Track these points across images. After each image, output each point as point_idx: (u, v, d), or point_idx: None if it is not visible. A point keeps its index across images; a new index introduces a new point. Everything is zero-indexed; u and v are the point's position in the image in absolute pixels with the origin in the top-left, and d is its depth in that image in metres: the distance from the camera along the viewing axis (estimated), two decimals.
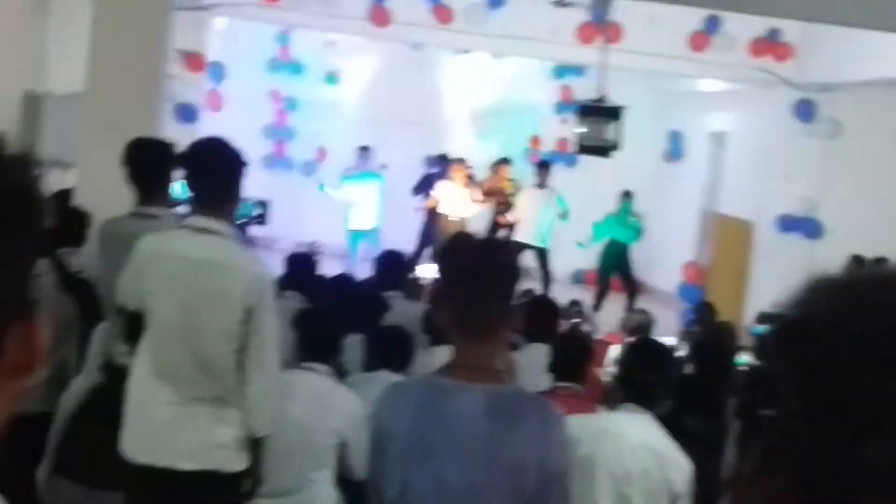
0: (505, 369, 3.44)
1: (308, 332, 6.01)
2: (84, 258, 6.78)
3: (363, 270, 14.29)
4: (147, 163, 5.71)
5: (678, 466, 4.83)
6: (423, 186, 16.91)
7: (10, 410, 1.09)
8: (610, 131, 11.27)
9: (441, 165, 16.98)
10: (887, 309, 0.95)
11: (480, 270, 3.20)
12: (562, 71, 18.86)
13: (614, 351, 9.68)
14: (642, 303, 15.46)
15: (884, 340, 0.93)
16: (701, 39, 14.20)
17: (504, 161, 17.08)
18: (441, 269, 3.38)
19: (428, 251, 16.29)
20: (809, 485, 0.96)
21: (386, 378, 6.08)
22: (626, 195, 16.08)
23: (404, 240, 15.35)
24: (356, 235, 16.38)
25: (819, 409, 0.95)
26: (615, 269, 16.33)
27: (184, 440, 4.62)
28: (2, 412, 1.07)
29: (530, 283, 15.38)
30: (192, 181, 4.73)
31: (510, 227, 16.54)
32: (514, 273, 3.36)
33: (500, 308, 3.23)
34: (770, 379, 1.03)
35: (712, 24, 14.08)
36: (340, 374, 6.25)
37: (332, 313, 6.28)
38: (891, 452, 0.91)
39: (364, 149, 16.50)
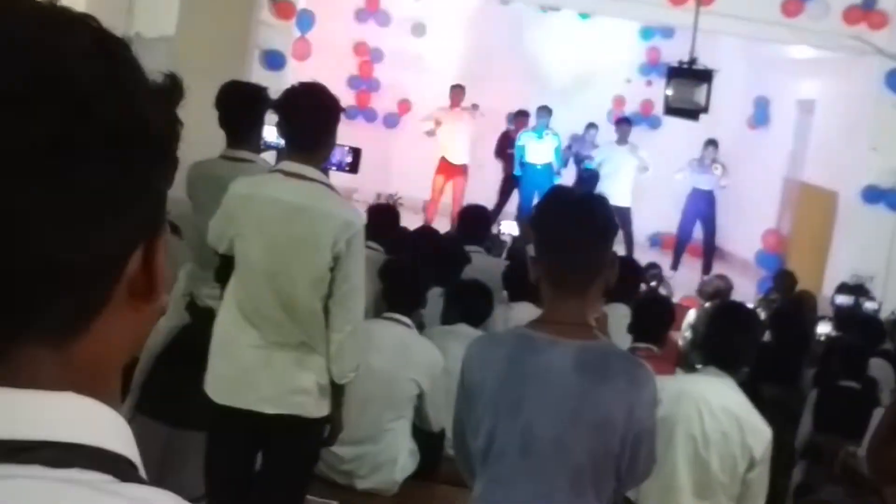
0: (597, 325, 3.42)
1: (394, 283, 6.07)
2: (170, 201, 6.85)
3: (443, 222, 14.40)
4: (239, 106, 5.74)
5: (758, 432, 4.81)
6: (503, 147, 16.93)
7: (140, 340, 1.10)
8: (699, 94, 11.16)
9: (521, 120, 16.97)
10: None
11: (577, 224, 3.20)
12: (649, 32, 18.70)
13: (692, 315, 9.66)
14: (720, 268, 15.36)
15: None
16: (795, 5, 13.99)
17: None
18: (536, 223, 3.38)
19: (507, 205, 16.34)
20: None
21: (464, 332, 6.14)
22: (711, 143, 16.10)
23: (486, 196, 15.42)
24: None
25: None
26: (699, 217, 16.31)
27: (266, 384, 4.67)
28: (131, 341, 1.08)
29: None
30: (286, 126, 4.75)
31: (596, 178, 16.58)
32: (610, 228, 3.36)
33: (594, 263, 3.23)
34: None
35: None
36: (419, 326, 6.30)
37: (417, 266, 6.32)
38: None
39: (457, 87, 16.47)
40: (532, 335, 3.25)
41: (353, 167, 10.53)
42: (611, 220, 3.36)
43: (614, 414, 3.13)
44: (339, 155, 10.24)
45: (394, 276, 6.16)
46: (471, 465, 3.35)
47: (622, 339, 6.12)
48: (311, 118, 4.69)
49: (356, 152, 10.50)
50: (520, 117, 17.07)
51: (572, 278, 3.21)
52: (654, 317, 6.11)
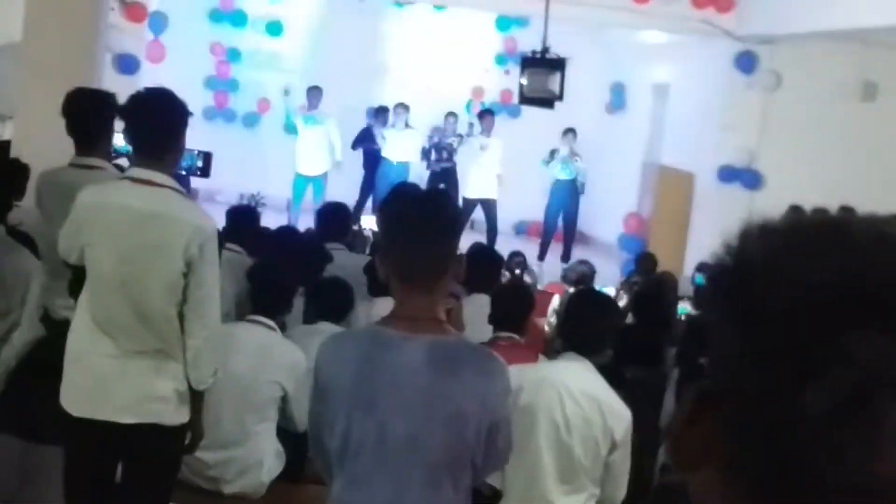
0: (448, 318, 3.44)
1: (260, 285, 6.04)
2: (23, 211, 6.71)
3: (306, 221, 14.34)
4: (86, 113, 5.66)
5: (618, 415, 4.89)
6: (362, 140, 16.89)
7: None
8: (553, 82, 11.26)
9: (381, 117, 16.99)
10: (827, 255, 0.96)
11: (421, 220, 3.21)
12: (505, 22, 18.83)
13: (556, 301, 9.75)
14: (584, 253, 15.54)
15: (823, 286, 0.94)
16: None
17: (450, 114, 17.14)
18: (382, 220, 3.39)
19: (370, 200, 16.32)
20: (743, 433, 0.98)
21: (326, 330, 6.12)
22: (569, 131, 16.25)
23: (347, 192, 15.39)
24: (301, 181, 16.28)
25: (756, 356, 0.96)
26: (562, 209, 16.44)
27: (123, 393, 4.61)
28: None
29: (476, 236, 15.48)
30: (133, 132, 4.69)
31: (452, 173, 16.62)
32: (456, 223, 3.38)
33: (441, 258, 3.25)
34: (708, 327, 1.04)
35: None
36: (282, 327, 6.28)
37: (283, 269, 6.30)
38: (826, 400, 0.92)
39: (314, 89, 16.37)
40: (383, 332, 3.27)
41: (205, 171, 10.46)
42: (456, 214, 3.38)
43: (467, 407, 3.16)
44: (190, 159, 10.16)
45: (260, 278, 6.13)
46: (328, 465, 3.36)
47: (484, 329, 6.16)
48: (158, 123, 4.63)
49: (207, 156, 10.43)
50: (380, 114, 17.07)
51: (420, 274, 3.23)
52: (512, 305, 6.15)
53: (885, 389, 0.91)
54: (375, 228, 11.44)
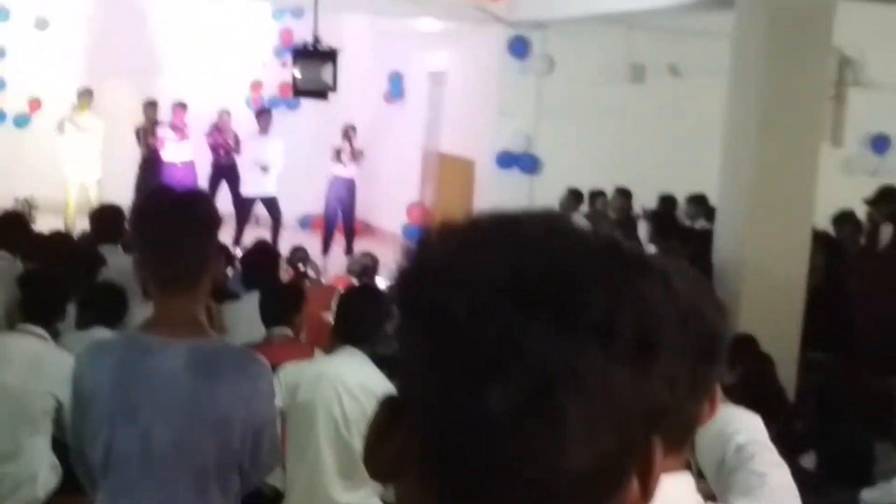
0: (210, 321, 3.39)
1: (31, 294, 5.86)
2: None
3: (79, 223, 14.02)
4: None
5: None
6: (142, 138, 16.54)
7: None
8: (326, 74, 11.25)
9: (150, 111, 16.66)
10: (495, 250, 0.97)
11: (173, 221, 3.15)
12: (280, 13, 18.68)
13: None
14: (369, 244, 15.58)
15: (492, 281, 0.94)
16: None
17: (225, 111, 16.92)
18: (135, 223, 3.32)
19: None
20: (433, 439, 0.97)
21: (100, 335, 5.98)
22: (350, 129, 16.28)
23: (125, 192, 15.09)
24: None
25: (437, 360, 0.96)
26: (339, 202, 16.44)
27: None
28: None
29: (260, 231, 15.36)
30: None
31: (234, 168, 16.46)
32: (212, 223, 3.31)
33: (198, 261, 3.19)
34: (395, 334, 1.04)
35: None
36: (54, 335, 6.10)
37: (56, 275, 6.12)
38: (508, 398, 0.92)
39: (86, 91, 15.95)
40: (142, 338, 3.20)
41: None
42: (210, 213, 3.31)
43: (231, 412, 3.11)
44: None
45: (31, 286, 5.94)
46: (92, 477, 3.26)
47: (259, 326, 6.14)
48: None
49: None
50: (150, 108, 16.72)
51: (178, 277, 3.16)
52: (280, 302, 6.17)
53: (563, 382, 0.92)
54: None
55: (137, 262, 3.26)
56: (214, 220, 3.34)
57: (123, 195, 14.45)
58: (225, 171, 16.50)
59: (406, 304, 1.00)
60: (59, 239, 8.74)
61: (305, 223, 18.55)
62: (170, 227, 3.14)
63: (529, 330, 0.92)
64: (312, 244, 13.96)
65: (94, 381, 3.17)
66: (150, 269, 3.20)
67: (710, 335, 1.73)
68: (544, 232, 0.99)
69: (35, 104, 17.98)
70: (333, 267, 14.34)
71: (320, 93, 11.50)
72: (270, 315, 6.03)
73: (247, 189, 16.03)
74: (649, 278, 0.99)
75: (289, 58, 17.23)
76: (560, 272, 0.95)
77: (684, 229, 12.71)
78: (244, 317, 6.81)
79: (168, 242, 3.14)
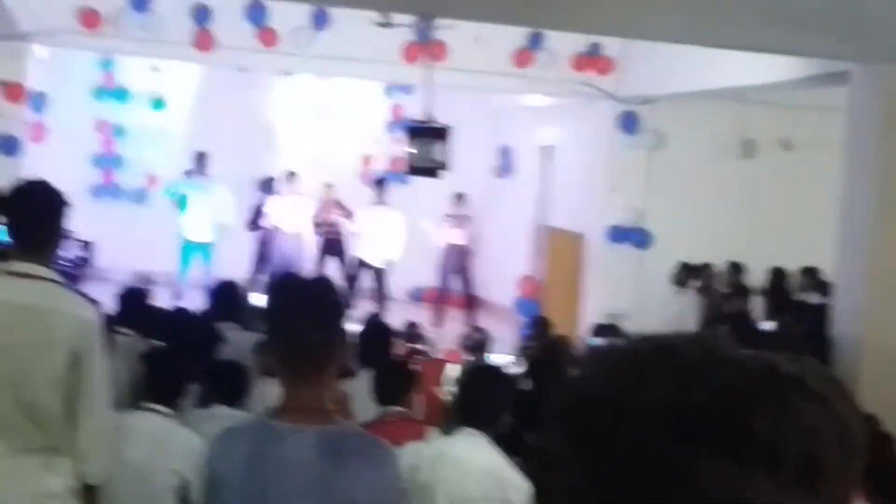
0: (335, 407, 3.43)
1: (154, 372, 5.94)
2: None
3: (195, 295, 14.23)
4: None
5: (517, 487, 4.89)
6: (256, 219, 16.77)
7: None
8: (438, 151, 11.33)
9: (267, 187, 16.92)
10: (660, 380, 0.98)
11: (302, 311, 3.19)
12: (392, 90, 18.94)
13: (452, 370, 9.75)
14: (482, 317, 15.61)
15: (651, 408, 0.95)
16: (525, 56, 14.39)
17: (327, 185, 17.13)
18: (265, 311, 3.37)
19: (264, 273, 16.22)
20: None
21: (223, 413, 6.05)
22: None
23: (238, 261, 15.36)
24: (190, 247, 16.08)
25: (597, 479, 0.97)
26: (455, 271, 16.51)
27: (14, 493, 4.50)
28: None
29: (368, 303, 15.45)
30: (11, 226, 4.63)
31: (341, 242, 16.62)
32: (339, 310, 3.36)
33: (325, 348, 3.23)
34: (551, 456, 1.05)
35: (535, 41, 14.28)
36: (177, 412, 6.17)
37: (180, 354, 6.21)
38: None
39: (201, 155, 16.26)
40: (272, 424, 3.24)
41: (88, 260, 10.41)
42: (338, 302, 3.37)
43: (358, 497, 3.14)
44: (73, 249, 10.11)
45: (155, 364, 6.03)
46: None
47: (372, 405, 6.17)
48: (36, 216, 4.58)
49: (88, 245, 10.37)
50: (266, 185, 16.99)
51: (305, 364, 3.21)
52: (392, 381, 6.18)
53: None
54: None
55: (265, 347, 3.31)
56: (341, 307, 3.39)
57: (238, 264, 14.81)
58: (332, 245, 16.67)
59: (567, 429, 1.02)
60: (180, 315, 8.90)
61: (416, 296, 18.65)
62: (298, 315, 3.19)
63: (695, 459, 0.92)
64: (423, 317, 14.00)
65: (227, 466, 3.22)
66: (279, 355, 3.25)
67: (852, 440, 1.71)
68: (702, 358, 1.00)
69: (152, 180, 18.38)
70: (446, 340, 14.35)
71: (433, 170, 11.58)
72: (386, 394, 6.05)
73: (362, 255, 16.19)
74: (809, 400, 0.99)
75: (400, 133, 17.51)
76: (722, 399, 0.95)
77: (798, 303, 12.57)
78: (360, 394, 6.84)
79: (297, 331, 3.19)
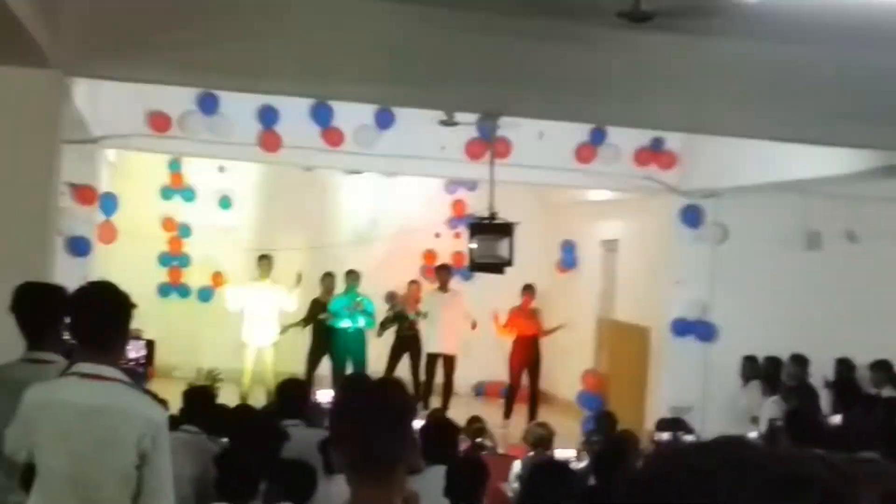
0: None
1: (228, 472, 5.98)
2: None
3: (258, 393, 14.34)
4: (34, 308, 5.64)
5: None
6: (313, 314, 16.81)
7: None
8: (502, 248, 11.36)
9: (327, 282, 16.96)
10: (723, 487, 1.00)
11: (370, 414, 3.20)
12: (454, 186, 19.09)
13: (517, 465, 9.71)
14: (545, 411, 15.54)
15: None
16: (587, 151, 14.49)
17: (413, 281, 17.24)
18: (333, 412, 3.39)
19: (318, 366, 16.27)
20: None
21: None
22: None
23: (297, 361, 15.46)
24: (251, 348, 16.10)
25: None
26: (526, 365, 16.45)
27: None
28: None
29: (434, 398, 15.45)
30: (77, 327, 4.71)
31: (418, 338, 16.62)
32: (407, 413, 3.36)
33: (394, 449, 3.23)
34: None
35: (598, 136, 14.39)
36: None
37: (250, 454, 6.25)
38: None
39: (264, 258, 16.38)
40: None
41: (149, 359, 10.55)
42: (407, 403, 3.38)
43: None
44: (135, 349, 10.25)
45: (228, 465, 6.08)
46: None
47: (443, 501, 6.14)
48: (101, 317, 4.64)
49: (150, 345, 10.52)
50: (327, 279, 17.06)
51: (374, 466, 3.21)
52: (465, 478, 6.16)
53: None
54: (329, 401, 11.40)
55: (333, 449, 3.32)
56: (410, 409, 3.40)
57: (295, 361, 14.91)
58: (408, 341, 16.69)
59: None
60: (244, 413, 8.95)
61: (479, 391, 18.62)
62: (367, 417, 3.20)
63: None
64: (485, 411, 13.94)
65: None
66: (348, 457, 3.25)
67: None
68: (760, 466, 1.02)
69: (218, 277, 18.55)
70: (513, 436, 14.27)
71: (497, 266, 11.60)
72: (457, 490, 6.03)
73: (431, 347, 16.19)
74: None
75: (462, 228, 17.61)
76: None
77: (868, 396, 12.41)
78: (425, 491, 6.82)
79: (366, 433, 3.20)
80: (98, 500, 4.51)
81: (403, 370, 15.98)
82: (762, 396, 13.01)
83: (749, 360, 13.60)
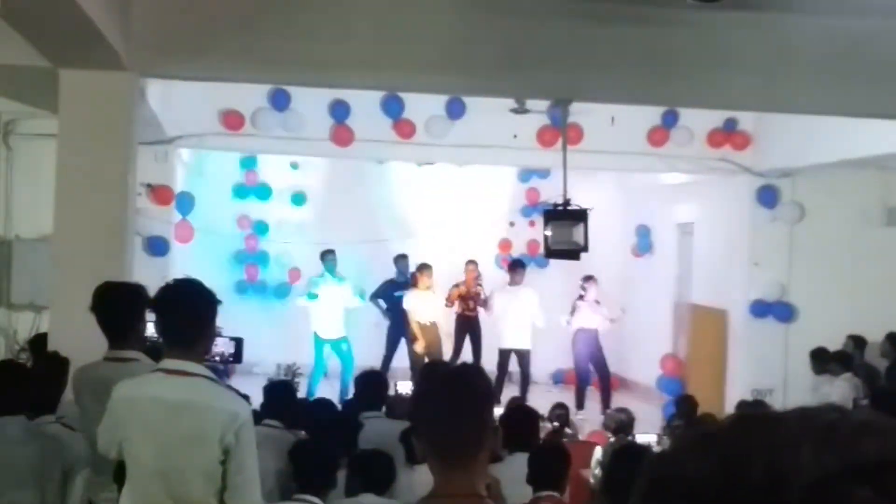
0: (488, 492, 3.42)
1: (304, 464, 6.02)
2: (65, 405, 6.72)
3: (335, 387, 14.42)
4: (115, 307, 5.71)
5: None
6: (381, 292, 16.84)
7: None
8: (577, 233, 11.30)
9: (403, 265, 16.97)
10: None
11: (452, 399, 3.21)
12: (526, 174, 19.04)
13: (599, 452, 9.68)
14: (624, 398, 15.47)
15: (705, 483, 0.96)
16: (660, 134, 14.41)
17: (471, 262, 17.09)
18: (415, 400, 3.40)
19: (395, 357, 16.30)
20: None
21: (370, 502, 6.10)
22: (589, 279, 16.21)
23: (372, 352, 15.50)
24: (321, 343, 16.14)
25: None
26: (590, 356, 16.28)
27: None
28: None
29: (510, 387, 15.42)
30: (163, 324, 4.76)
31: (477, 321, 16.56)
32: (488, 399, 3.38)
33: (476, 435, 3.24)
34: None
35: (670, 119, 14.30)
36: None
37: (328, 446, 6.29)
38: None
39: (328, 252, 16.39)
40: None
41: (237, 357, 10.64)
42: (487, 389, 3.38)
43: None
44: (222, 346, 10.34)
45: (303, 456, 6.12)
46: None
47: (526, 489, 6.13)
48: (187, 314, 4.70)
49: (238, 342, 10.61)
50: (400, 261, 17.07)
51: (457, 452, 3.22)
52: (549, 464, 6.15)
53: None
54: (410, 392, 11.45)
55: (415, 436, 3.33)
56: (490, 394, 3.40)
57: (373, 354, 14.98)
58: (469, 323, 16.64)
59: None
60: (323, 406, 9.02)
61: (557, 378, 18.58)
62: (449, 404, 3.21)
63: None
64: (565, 398, 13.90)
65: None
66: (431, 443, 3.26)
67: None
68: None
69: (295, 274, 18.65)
70: (589, 423, 14.24)
71: (572, 253, 11.56)
72: (540, 477, 6.03)
73: (503, 342, 16.09)
74: None
75: (536, 217, 17.55)
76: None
77: None
78: (507, 479, 6.82)
79: (448, 419, 3.21)
80: (186, 495, 4.56)
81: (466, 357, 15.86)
82: (833, 377, 12.75)
83: (819, 354, 13.23)
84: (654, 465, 1.05)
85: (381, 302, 16.79)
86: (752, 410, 1.04)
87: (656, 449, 7.96)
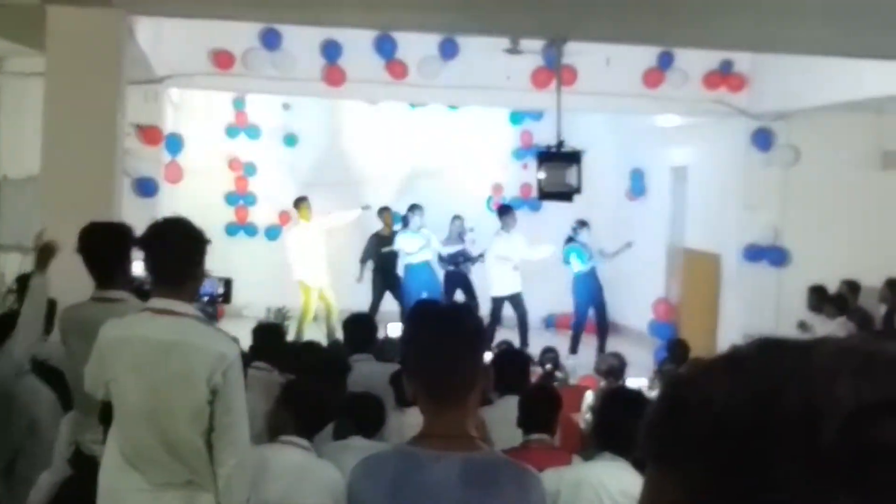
0: (478, 434, 3.38)
1: (296, 405, 5.95)
2: (51, 346, 6.67)
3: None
4: (102, 248, 5.65)
5: None
6: (374, 248, 16.81)
7: None
8: (570, 175, 11.25)
9: (382, 215, 16.95)
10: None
11: (444, 337, 3.16)
12: (519, 116, 18.94)
13: (590, 396, 9.66)
14: (615, 342, 15.44)
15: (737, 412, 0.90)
16: (655, 76, 14.28)
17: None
18: (405, 339, 3.35)
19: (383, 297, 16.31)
20: None
21: (359, 445, 6.04)
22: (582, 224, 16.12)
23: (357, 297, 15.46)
24: (311, 288, 16.16)
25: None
26: (592, 301, 16.25)
27: None
28: None
29: (505, 331, 15.38)
30: (152, 263, 4.69)
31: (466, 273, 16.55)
32: (479, 338, 3.33)
33: (467, 374, 3.19)
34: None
35: (665, 61, 14.17)
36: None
37: (320, 387, 6.22)
38: None
39: (299, 199, 16.34)
40: (415, 452, 3.20)
41: (226, 297, 10.57)
42: (480, 329, 3.33)
43: None
44: (211, 286, 10.29)
45: (295, 398, 6.05)
46: None
47: (516, 432, 6.09)
48: (176, 253, 4.62)
49: (228, 283, 10.55)
50: (384, 212, 17.05)
51: (448, 391, 3.17)
52: (539, 408, 6.10)
53: None
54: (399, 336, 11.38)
55: (406, 377, 3.28)
56: (482, 333, 3.35)
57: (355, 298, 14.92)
58: (458, 275, 16.60)
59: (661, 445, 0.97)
60: (312, 348, 8.96)
61: (550, 323, 18.56)
62: (440, 342, 3.16)
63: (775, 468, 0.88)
64: (557, 342, 13.88)
65: (370, 495, 3.20)
66: (422, 383, 3.21)
67: None
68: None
69: (285, 216, 18.56)
70: (582, 367, 14.23)
71: (565, 195, 11.51)
72: (530, 421, 5.99)
73: (494, 290, 16.04)
74: None
75: (529, 159, 17.44)
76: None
77: None
78: (497, 422, 6.78)
79: (439, 358, 3.16)
80: (172, 435, 4.51)
81: None
82: (828, 319, 12.74)
83: (815, 292, 13.24)
84: (676, 387, 0.98)
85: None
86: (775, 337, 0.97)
87: (648, 394, 7.91)
